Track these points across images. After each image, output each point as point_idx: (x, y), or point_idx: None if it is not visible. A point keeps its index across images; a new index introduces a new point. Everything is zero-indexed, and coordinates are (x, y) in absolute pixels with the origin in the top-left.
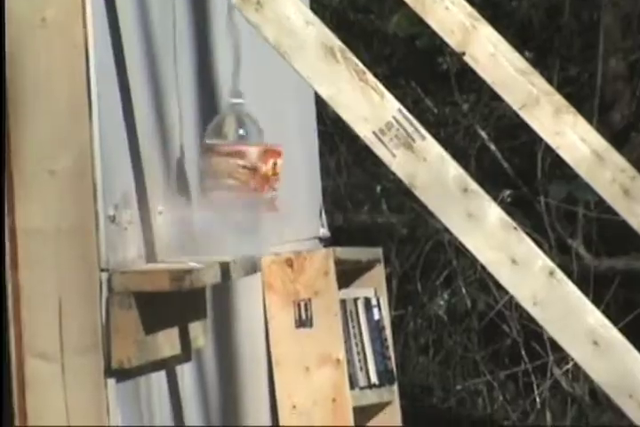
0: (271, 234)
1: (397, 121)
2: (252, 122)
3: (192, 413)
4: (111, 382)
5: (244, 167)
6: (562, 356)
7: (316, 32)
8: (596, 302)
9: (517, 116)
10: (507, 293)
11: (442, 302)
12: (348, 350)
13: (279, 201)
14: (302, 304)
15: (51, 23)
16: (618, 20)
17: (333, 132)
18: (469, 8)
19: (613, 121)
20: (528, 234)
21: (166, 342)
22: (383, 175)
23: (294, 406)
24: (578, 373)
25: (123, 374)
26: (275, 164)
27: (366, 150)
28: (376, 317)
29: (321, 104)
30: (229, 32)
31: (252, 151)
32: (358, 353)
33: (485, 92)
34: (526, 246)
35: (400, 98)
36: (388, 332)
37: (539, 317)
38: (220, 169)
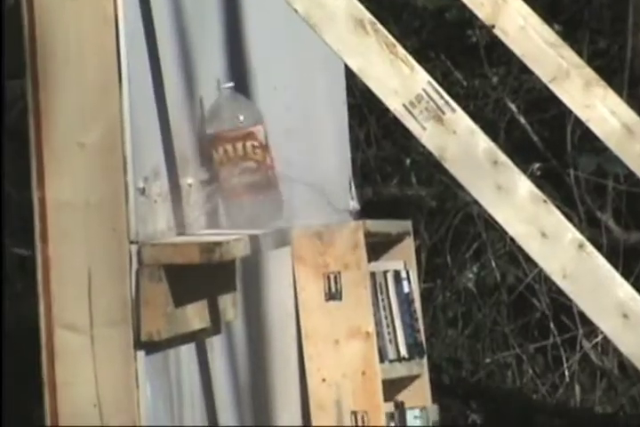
0: (302, 206)
1: (427, 94)
2: (247, 102)
3: (221, 386)
4: (140, 354)
5: (257, 147)
6: (591, 329)
7: (345, 4)
8: (626, 275)
9: (547, 89)
10: (536, 266)
11: (471, 275)
12: (378, 323)
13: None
14: (332, 277)
15: None
16: None
17: (363, 104)
18: None
19: None
20: (557, 207)
21: (196, 314)
22: (412, 148)
23: (324, 379)
24: (607, 346)
25: (152, 347)
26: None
27: (395, 123)
28: (405, 289)
29: (350, 76)
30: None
31: (260, 130)
32: (388, 326)
33: (515, 64)
34: (556, 219)
35: (429, 71)
36: (418, 305)
37: (568, 290)
38: (234, 155)
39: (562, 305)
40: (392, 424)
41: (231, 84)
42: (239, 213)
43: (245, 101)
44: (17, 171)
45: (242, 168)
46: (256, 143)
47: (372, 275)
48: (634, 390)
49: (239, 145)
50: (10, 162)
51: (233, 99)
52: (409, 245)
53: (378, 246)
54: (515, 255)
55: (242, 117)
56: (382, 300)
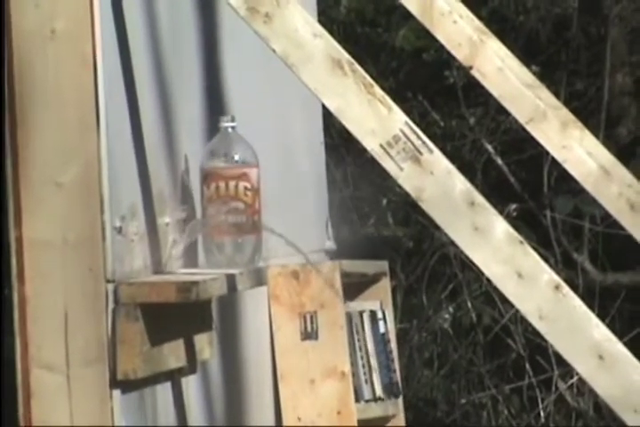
0: (278, 245)
1: (405, 134)
2: (245, 143)
3: (197, 425)
4: (116, 393)
5: (249, 189)
6: (567, 370)
7: (323, 44)
8: (602, 316)
9: (524, 130)
10: (512, 306)
11: (447, 316)
12: (354, 363)
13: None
14: (308, 316)
15: (60, 35)
16: (625, 34)
17: (340, 144)
18: (477, 22)
19: (620, 136)
20: (534, 248)
21: (172, 353)
22: (389, 188)
23: (299, 419)
24: (583, 387)
25: (128, 386)
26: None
27: (372, 163)
28: (382, 330)
29: (328, 116)
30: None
31: (254, 172)
32: (363, 366)
33: (492, 105)
34: (532, 260)
35: (407, 111)
36: (394, 345)
37: (544, 331)
38: (225, 193)
39: (538, 346)
40: None
41: (233, 124)
42: (217, 252)
43: (244, 143)
44: None
45: (230, 207)
46: (248, 185)
47: (349, 315)
48: None
49: (232, 184)
50: None
51: (232, 138)
52: (385, 285)
53: (354, 286)
54: (491, 296)
55: (238, 157)
56: (358, 340)
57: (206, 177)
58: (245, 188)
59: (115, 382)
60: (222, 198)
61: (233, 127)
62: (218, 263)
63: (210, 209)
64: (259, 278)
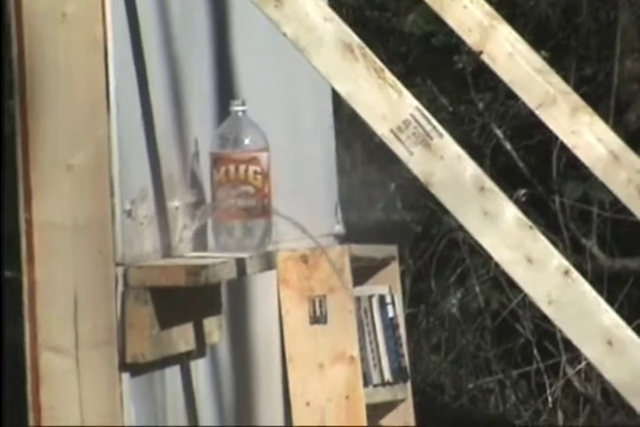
0: (287, 229)
1: (415, 119)
2: (256, 128)
3: (206, 408)
4: (125, 376)
5: (259, 173)
6: (574, 355)
7: (334, 29)
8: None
9: (533, 115)
10: (520, 291)
11: (455, 301)
12: (362, 348)
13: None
14: (317, 300)
15: (71, 18)
16: (635, 20)
17: (349, 129)
18: (487, 7)
19: (629, 121)
20: (543, 233)
21: (181, 337)
22: (397, 173)
23: (308, 403)
24: (590, 372)
25: (137, 369)
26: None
27: (381, 148)
28: (390, 314)
29: (337, 101)
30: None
31: (264, 157)
32: (372, 351)
33: (501, 90)
34: (542, 245)
35: (416, 96)
36: (402, 329)
37: (553, 316)
38: (235, 176)
39: (545, 331)
40: None
41: (243, 108)
42: (227, 235)
43: (254, 127)
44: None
45: (240, 191)
46: (258, 169)
47: (357, 299)
48: (616, 416)
49: (242, 168)
50: None
51: (243, 122)
52: (394, 269)
53: (363, 271)
54: (498, 281)
55: (248, 141)
56: (367, 324)
57: (216, 161)
58: (255, 172)
59: (124, 366)
60: (232, 182)
61: (244, 111)
62: (227, 247)
63: (219, 193)
64: (268, 262)
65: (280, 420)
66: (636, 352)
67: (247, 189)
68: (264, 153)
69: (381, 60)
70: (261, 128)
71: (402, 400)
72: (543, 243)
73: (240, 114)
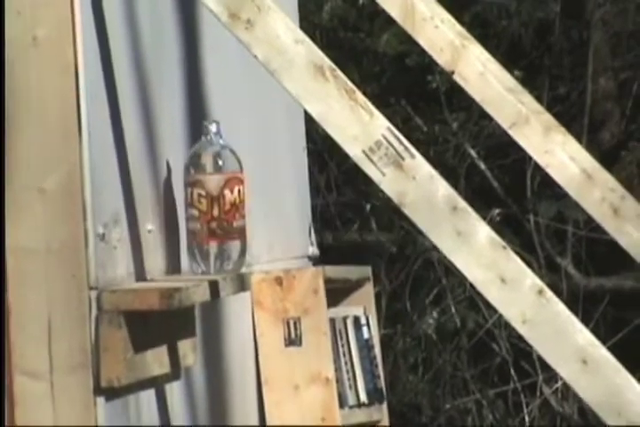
0: (261, 251)
1: (387, 139)
2: (229, 151)
3: None
4: (100, 400)
5: (204, 197)
6: (551, 375)
7: (305, 51)
8: (585, 320)
9: (507, 134)
10: (496, 311)
11: (431, 321)
12: (338, 369)
13: (249, 228)
14: (292, 322)
15: (42, 42)
16: (607, 39)
17: (323, 150)
18: (459, 27)
19: (603, 140)
20: (517, 252)
21: (155, 360)
22: (372, 193)
23: (283, 425)
24: (567, 392)
25: (112, 393)
26: (239, 191)
27: (355, 169)
28: (365, 335)
29: (310, 122)
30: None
31: (211, 180)
32: (347, 372)
33: (475, 110)
34: (515, 265)
35: (389, 116)
36: (378, 350)
37: (527, 335)
38: (186, 200)
39: (522, 351)
40: None
41: (213, 130)
42: (201, 257)
43: (225, 151)
44: None
45: (189, 214)
46: (202, 192)
47: (332, 321)
48: None
49: (188, 190)
50: None
51: (208, 145)
52: (369, 290)
53: (337, 292)
54: (475, 301)
55: (201, 163)
56: (342, 346)
57: (185, 183)
58: (200, 195)
59: (99, 390)
60: (187, 205)
61: (209, 133)
62: (202, 269)
63: (188, 214)
64: (242, 284)
65: None
66: (610, 371)
67: (192, 213)
68: (213, 176)
69: (355, 80)
70: (227, 150)
71: (378, 422)
72: (516, 262)
73: (209, 136)
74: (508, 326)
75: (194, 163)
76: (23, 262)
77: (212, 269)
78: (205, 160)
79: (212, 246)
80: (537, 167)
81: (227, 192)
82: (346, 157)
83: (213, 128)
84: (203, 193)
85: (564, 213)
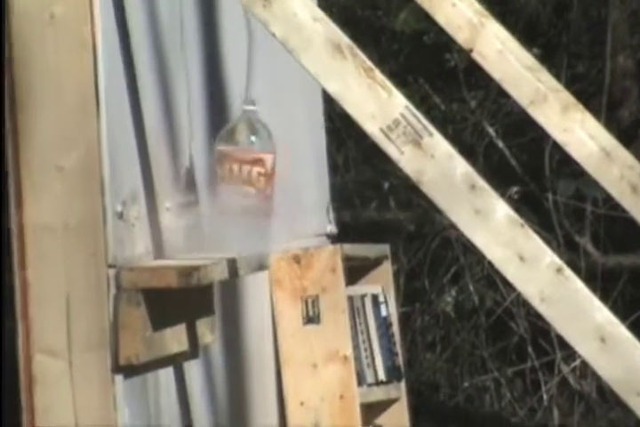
0: (280, 231)
1: (405, 118)
2: (265, 129)
3: (199, 409)
4: (119, 378)
5: (263, 175)
6: (569, 353)
7: (323, 29)
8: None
9: (525, 112)
10: (514, 289)
11: (449, 299)
12: (356, 347)
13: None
14: (310, 301)
15: (59, 20)
16: (626, 16)
17: (341, 128)
18: (477, 5)
19: (621, 118)
20: (535, 231)
21: (174, 338)
22: (391, 172)
23: (302, 403)
24: (585, 370)
25: (130, 371)
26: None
27: (374, 147)
28: (383, 313)
29: (329, 101)
30: (245, 29)
31: (269, 159)
32: (366, 350)
33: (493, 88)
34: (534, 243)
35: (407, 95)
36: (396, 328)
37: (546, 314)
38: (238, 176)
39: (540, 329)
40: None
41: (254, 108)
42: (223, 233)
43: (263, 128)
44: None
45: (241, 191)
46: (262, 170)
47: (350, 299)
48: (612, 413)
49: (246, 168)
50: None
51: (252, 122)
52: (387, 268)
53: (356, 270)
54: (493, 279)
55: (256, 142)
56: (360, 324)
57: (220, 157)
58: (259, 173)
59: (117, 368)
60: (234, 180)
61: (254, 111)
62: (221, 246)
63: (221, 189)
64: (260, 263)
65: (274, 420)
66: (629, 349)
67: (249, 190)
68: (269, 155)
69: (373, 59)
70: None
71: (396, 399)
72: (535, 240)
73: (251, 114)
74: (526, 304)
75: (248, 139)
76: (42, 241)
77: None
78: (263, 138)
79: (257, 224)
80: (555, 145)
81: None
82: (364, 135)
83: (254, 106)
84: (262, 171)
85: (583, 191)
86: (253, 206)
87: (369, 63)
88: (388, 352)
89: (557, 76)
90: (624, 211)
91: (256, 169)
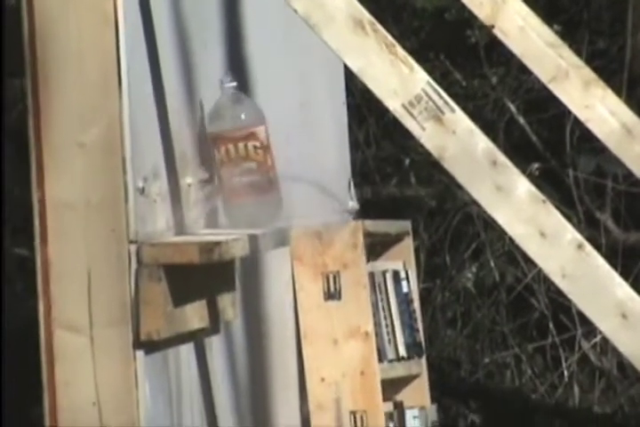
0: (301, 206)
1: (427, 94)
2: (249, 101)
3: (220, 385)
4: (140, 354)
5: (259, 147)
6: (590, 329)
7: (344, 4)
8: (625, 275)
9: (546, 89)
10: (535, 266)
11: (470, 275)
12: (377, 323)
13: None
14: (331, 277)
15: None
16: None
17: (362, 104)
18: None
19: None
20: (556, 207)
21: (195, 314)
22: (411, 148)
23: (323, 379)
24: (606, 346)
25: (151, 347)
26: (269, 140)
27: (395, 123)
28: (404, 289)
29: (350, 77)
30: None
31: (262, 130)
32: (387, 326)
33: (514, 64)
34: (555, 219)
35: (428, 71)
36: (417, 305)
37: (567, 290)
38: (236, 155)
39: (561, 305)
40: (391, 424)
41: (234, 84)
42: (239, 213)
43: (248, 101)
44: (17, 171)
45: (242, 169)
46: (257, 144)
47: (371, 275)
48: (632, 390)
49: (241, 145)
50: (10, 162)
51: (235, 98)
52: (408, 245)
53: (377, 246)
54: (513, 255)
55: (244, 117)
56: (381, 300)
57: (215, 141)
58: (255, 146)
59: (138, 343)
60: (233, 160)
61: (234, 87)
62: (239, 225)
63: (224, 172)
64: (281, 239)
65: (295, 396)
66: None
67: (250, 166)
68: (261, 127)
69: (393, 35)
70: (272, 104)
71: (417, 375)
72: (556, 217)
73: (231, 90)
74: (547, 280)
75: (235, 116)
76: (63, 217)
77: (272, 220)
78: (249, 111)
79: (268, 197)
80: (576, 122)
81: (270, 142)
82: (385, 111)
83: (232, 81)
84: (257, 144)
85: (604, 168)
86: (258, 181)
87: (390, 39)
88: (409, 328)
89: (578, 53)
90: None
91: (251, 143)
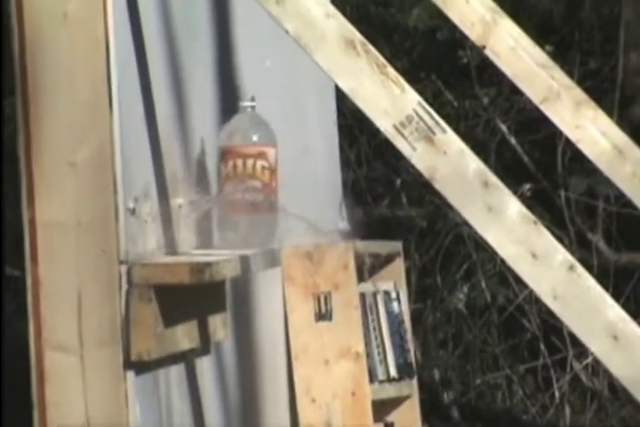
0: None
1: (418, 114)
2: (265, 124)
3: (211, 406)
4: (130, 374)
5: (267, 168)
6: (581, 350)
7: (336, 25)
8: (616, 296)
9: (538, 109)
10: (526, 287)
11: (461, 296)
12: (368, 344)
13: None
14: (322, 297)
15: (72, 17)
16: (638, 13)
17: (353, 124)
18: (490, 2)
19: (634, 115)
20: (548, 228)
21: (186, 334)
22: (403, 168)
23: (313, 400)
24: (597, 367)
25: (142, 367)
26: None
27: (386, 143)
28: (395, 310)
29: (341, 97)
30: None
31: (272, 152)
32: (378, 347)
33: (506, 85)
34: (546, 240)
35: (420, 91)
36: (408, 325)
37: (558, 311)
38: (243, 171)
39: (552, 326)
40: None
41: (253, 104)
42: (233, 230)
43: (264, 124)
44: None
45: (247, 186)
46: (266, 164)
47: (362, 295)
48: (624, 411)
49: (249, 162)
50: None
51: (252, 118)
52: (399, 265)
53: (368, 267)
54: (505, 276)
55: (257, 136)
56: (372, 320)
57: (224, 154)
58: (263, 167)
59: (129, 364)
60: (239, 176)
61: (253, 107)
62: (232, 242)
63: (226, 186)
64: (273, 259)
65: (286, 417)
66: None
67: (254, 184)
68: (272, 148)
69: (385, 55)
70: (270, 126)
71: (408, 396)
72: (547, 238)
73: (249, 110)
74: (538, 301)
75: (249, 133)
76: (53, 237)
77: (265, 242)
78: (264, 133)
79: (266, 219)
80: (568, 142)
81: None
82: (376, 131)
83: (254, 102)
84: (266, 165)
85: (595, 189)
86: (260, 201)
87: (382, 59)
88: (400, 349)
89: (570, 74)
90: (636, 208)
91: (260, 162)
